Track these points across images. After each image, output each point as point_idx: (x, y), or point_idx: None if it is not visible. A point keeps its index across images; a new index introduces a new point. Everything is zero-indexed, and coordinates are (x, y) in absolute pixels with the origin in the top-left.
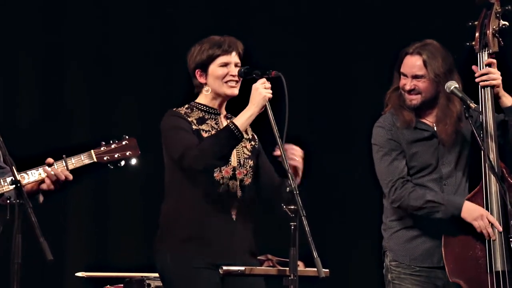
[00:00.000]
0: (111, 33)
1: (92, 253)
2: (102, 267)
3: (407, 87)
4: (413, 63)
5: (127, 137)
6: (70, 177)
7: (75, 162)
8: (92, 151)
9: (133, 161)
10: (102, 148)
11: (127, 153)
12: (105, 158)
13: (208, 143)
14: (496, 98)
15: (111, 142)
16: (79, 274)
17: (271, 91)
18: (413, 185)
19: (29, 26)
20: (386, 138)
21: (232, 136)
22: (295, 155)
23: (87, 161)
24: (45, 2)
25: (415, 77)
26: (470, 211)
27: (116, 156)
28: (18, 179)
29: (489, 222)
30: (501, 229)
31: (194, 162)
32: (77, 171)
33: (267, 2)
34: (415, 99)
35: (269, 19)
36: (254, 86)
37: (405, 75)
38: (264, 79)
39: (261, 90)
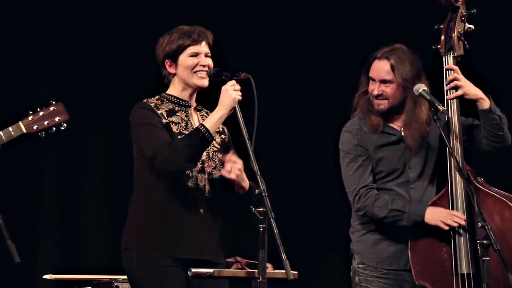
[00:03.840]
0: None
1: (61, 255)
2: (70, 270)
3: (375, 92)
4: (381, 68)
5: (53, 102)
6: None
7: (4, 136)
8: (20, 122)
9: (64, 126)
10: (30, 118)
11: (56, 119)
12: (34, 128)
13: (180, 146)
14: (474, 102)
15: (38, 110)
16: (46, 276)
17: (240, 93)
18: (377, 193)
19: None
20: (353, 144)
21: (202, 139)
22: (233, 168)
23: (16, 133)
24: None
25: (383, 81)
26: (433, 214)
27: (45, 123)
28: None
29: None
30: (464, 222)
31: (165, 164)
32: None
33: (236, 4)
34: (383, 104)
35: (237, 21)
36: (224, 88)
37: (373, 80)
38: (233, 81)
39: (231, 92)
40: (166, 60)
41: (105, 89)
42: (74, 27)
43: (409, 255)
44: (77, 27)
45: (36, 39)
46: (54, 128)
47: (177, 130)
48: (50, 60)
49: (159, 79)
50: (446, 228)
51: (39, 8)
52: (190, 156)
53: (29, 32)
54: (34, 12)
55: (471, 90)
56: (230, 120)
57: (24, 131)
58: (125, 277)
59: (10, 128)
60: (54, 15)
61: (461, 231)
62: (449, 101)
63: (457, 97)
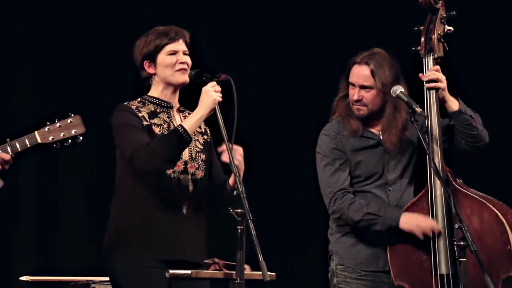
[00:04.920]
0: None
1: (38, 257)
2: (48, 271)
3: (355, 98)
4: (360, 73)
5: (72, 114)
6: (7, 157)
7: (19, 145)
8: (36, 132)
9: (80, 139)
10: (46, 128)
11: (73, 132)
12: (50, 138)
13: (157, 146)
14: (442, 103)
15: (56, 121)
16: (23, 278)
17: (221, 94)
18: (353, 197)
19: None
20: (330, 147)
21: (181, 139)
22: (235, 154)
23: (31, 143)
24: None
25: (363, 87)
26: (408, 220)
27: (61, 135)
28: None
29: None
30: (439, 228)
31: (143, 164)
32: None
33: (215, 5)
34: (362, 110)
35: (217, 22)
36: (204, 89)
37: (353, 85)
38: (214, 82)
39: (211, 93)
40: (145, 61)
41: (85, 92)
42: (53, 31)
43: (388, 256)
44: (56, 32)
45: (12, 41)
46: (69, 141)
47: (159, 132)
48: (27, 64)
49: (140, 82)
50: (421, 237)
51: (18, 7)
52: (167, 156)
53: (5, 34)
54: (11, 11)
55: (446, 89)
56: (209, 121)
57: (39, 141)
58: (102, 278)
59: (25, 138)
60: (31, 16)
61: (440, 231)
62: (428, 102)
63: (436, 89)
